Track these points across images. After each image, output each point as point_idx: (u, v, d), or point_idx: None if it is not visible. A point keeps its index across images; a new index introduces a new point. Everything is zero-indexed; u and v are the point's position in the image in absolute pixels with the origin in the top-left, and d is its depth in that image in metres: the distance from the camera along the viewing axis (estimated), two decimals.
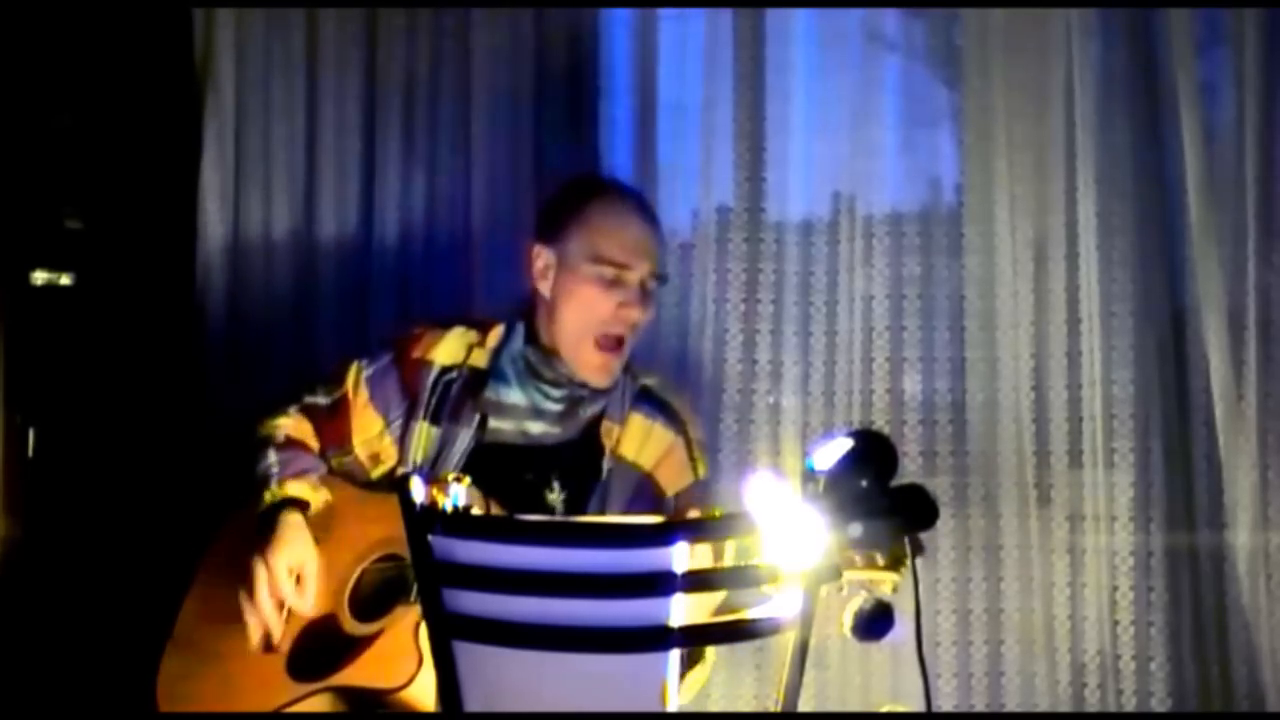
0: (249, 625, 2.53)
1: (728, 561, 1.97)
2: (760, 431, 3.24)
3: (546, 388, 2.70)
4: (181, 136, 3.43)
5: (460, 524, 1.94)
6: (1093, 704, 3.08)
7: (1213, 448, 3.04)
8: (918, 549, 1.99)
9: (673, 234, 3.32)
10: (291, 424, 2.73)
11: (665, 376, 2.86)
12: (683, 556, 1.83)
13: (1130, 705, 3.06)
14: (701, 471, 2.74)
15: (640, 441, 2.70)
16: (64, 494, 3.32)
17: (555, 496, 2.64)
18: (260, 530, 2.58)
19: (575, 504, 2.64)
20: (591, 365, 2.67)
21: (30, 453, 3.32)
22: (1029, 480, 3.14)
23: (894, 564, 1.98)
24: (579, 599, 1.83)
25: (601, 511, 2.64)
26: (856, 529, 1.88)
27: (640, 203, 2.78)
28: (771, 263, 3.27)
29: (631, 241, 2.67)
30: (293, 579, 2.53)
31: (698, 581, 1.86)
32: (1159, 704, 3.04)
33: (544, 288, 2.70)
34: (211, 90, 3.42)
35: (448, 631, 1.90)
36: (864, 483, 1.90)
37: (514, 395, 2.71)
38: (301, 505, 2.61)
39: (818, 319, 3.25)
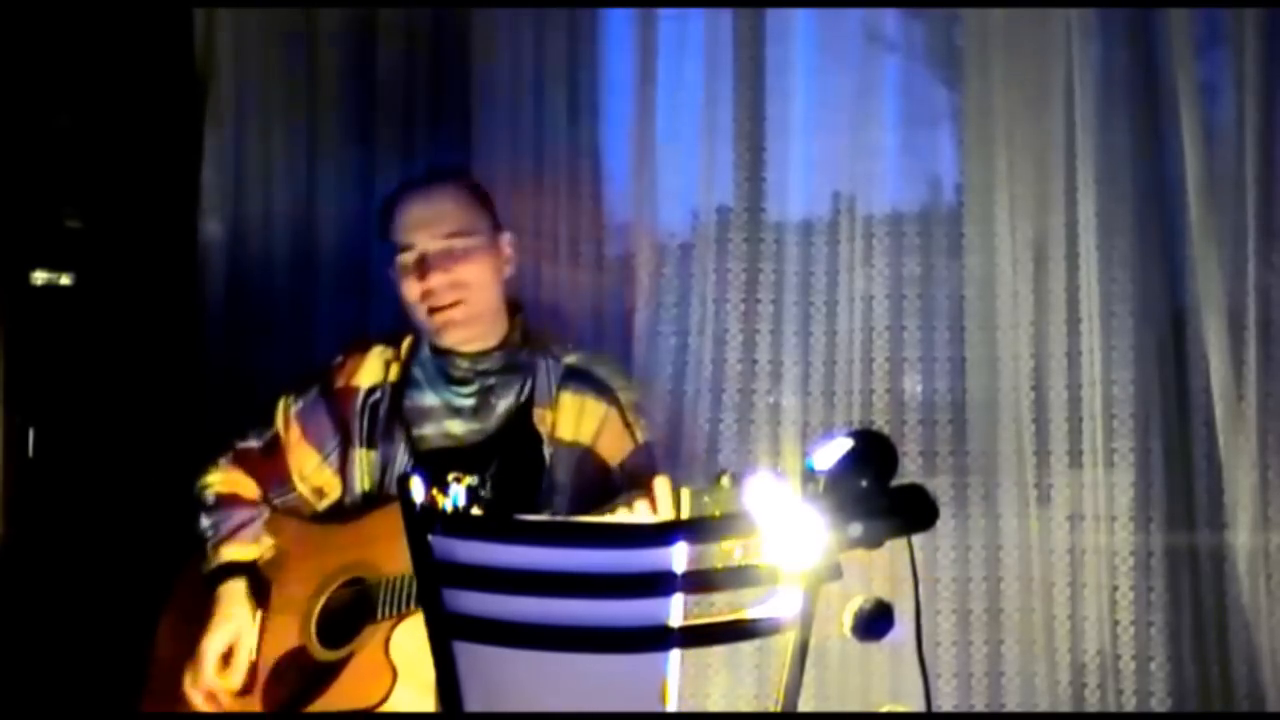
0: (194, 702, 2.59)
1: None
2: (760, 431, 3.24)
3: (456, 386, 2.74)
4: (181, 136, 3.42)
5: (460, 524, 1.94)
6: (1093, 704, 3.08)
7: (1213, 448, 3.04)
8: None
9: (672, 234, 3.33)
10: (219, 479, 2.76)
11: (590, 351, 2.87)
12: (683, 556, 1.83)
13: (1130, 705, 3.06)
14: (640, 436, 2.76)
15: (575, 419, 2.72)
16: (64, 494, 3.32)
17: (485, 493, 2.64)
18: (207, 594, 2.63)
19: (516, 497, 2.64)
20: (437, 329, 2.73)
21: (30, 453, 3.32)
22: (1029, 480, 3.14)
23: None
24: (579, 599, 1.83)
25: (550, 496, 2.65)
26: (856, 529, 1.87)
27: (430, 180, 2.85)
28: (771, 263, 3.27)
29: (412, 219, 2.74)
30: (221, 661, 2.59)
31: (698, 581, 1.86)
32: (1159, 704, 3.04)
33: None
34: (211, 90, 3.42)
35: (448, 631, 1.90)
36: (864, 483, 1.90)
37: (428, 398, 2.74)
38: (239, 569, 2.65)
39: (818, 319, 3.25)
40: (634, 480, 2.66)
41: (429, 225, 2.73)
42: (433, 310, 2.71)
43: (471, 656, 1.89)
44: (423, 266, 2.71)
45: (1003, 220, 3.17)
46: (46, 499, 3.31)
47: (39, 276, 3.43)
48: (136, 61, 3.43)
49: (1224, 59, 3.10)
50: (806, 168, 3.29)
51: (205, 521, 2.70)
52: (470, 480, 2.08)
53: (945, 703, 3.14)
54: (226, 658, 2.59)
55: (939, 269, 3.24)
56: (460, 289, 2.71)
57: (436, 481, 2.56)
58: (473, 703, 1.90)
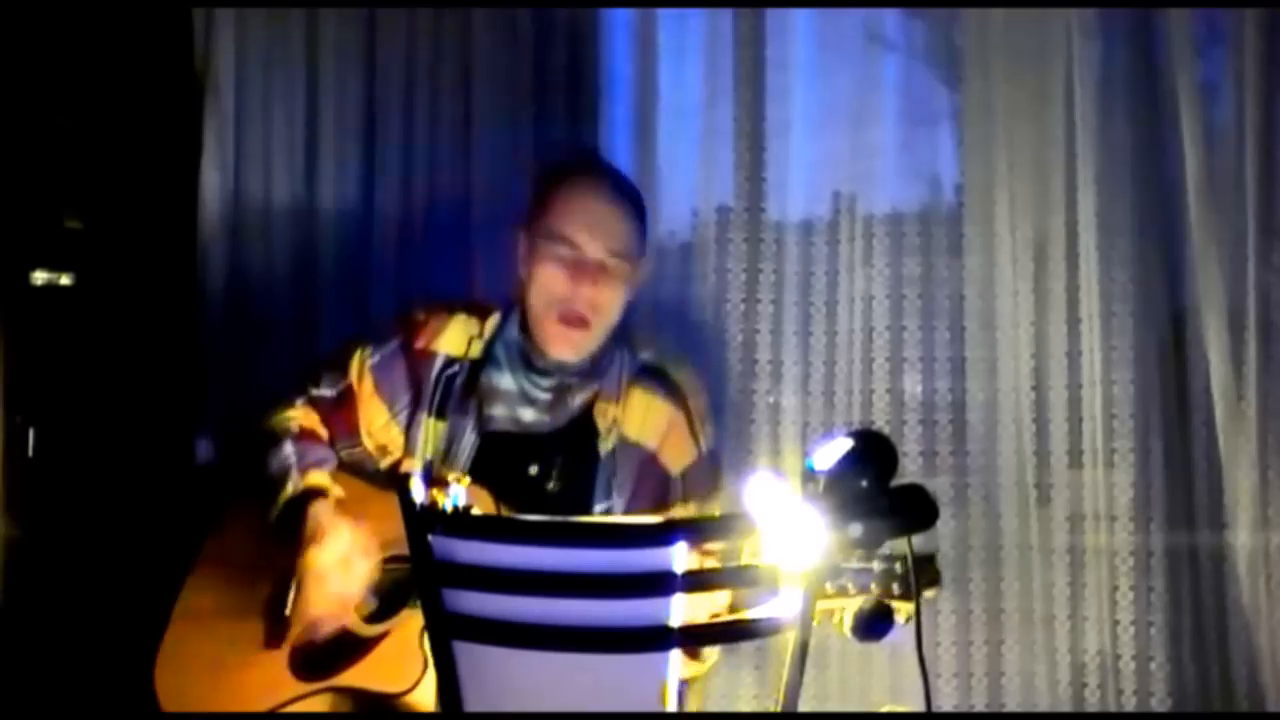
0: (310, 623, 2.51)
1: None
2: (760, 431, 3.25)
3: (536, 376, 2.69)
4: (181, 136, 3.42)
5: (460, 524, 1.93)
6: (1093, 704, 3.09)
7: (1213, 448, 3.05)
8: (933, 580, 1.99)
9: (672, 234, 3.33)
10: (302, 415, 2.71)
11: (667, 345, 2.82)
12: (683, 556, 1.83)
13: (1130, 705, 3.06)
14: (703, 445, 2.71)
15: (641, 417, 2.68)
16: (64, 494, 3.32)
17: (553, 485, 2.64)
18: (285, 524, 2.57)
19: (574, 491, 2.63)
20: (554, 338, 2.65)
21: (30, 453, 3.32)
22: (1029, 480, 3.14)
23: (906, 593, 1.99)
24: (579, 599, 1.83)
25: (609, 493, 2.64)
26: (856, 529, 1.87)
27: (613, 183, 2.72)
28: (771, 263, 3.28)
29: (588, 220, 2.63)
30: (343, 568, 2.49)
31: (698, 581, 1.86)
32: (1159, 704, 3.05)
33: (521, 271, 2.70)
34: (211, 90, 3.42)
35: (448, 631, 1.90)
36: (864, 483, 1.90)
37: (505, 380, 2.69)
38: (324, 494, 2.59)
39: (818, 319, 3.25)
40: (691, 490, 2.66)
41: (601, 235, 2.63)
42: (562, 318, 2.63)
43: (471, 656, 1.89)
44: (577, 271, 2.62)
45: (1003, 220, 3.17)
46: (46, 499, 3.31)
47: (39, 276, 3.42)
48: (136, 61, 3.43)
49: (1224, 59, 3.11)
50: (806, 167, 3.29)
51: (289, 448, 2.64)
52: (469, 480, 2.07)
53: (945, 703, 3.14)
54: (342, 568, 2.50)
55: (939, 269, 3.25)
56: (595, 310, 2.63)
57: (503, 468, 2.57)
58: (473, 703, 1.90)
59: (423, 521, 1.90)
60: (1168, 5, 3.07)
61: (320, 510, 2.56)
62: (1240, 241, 3.05)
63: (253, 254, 3.42)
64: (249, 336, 3.41)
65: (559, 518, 2.56)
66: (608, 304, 2.65)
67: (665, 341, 3.21)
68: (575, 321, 2.64)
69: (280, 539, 2.57)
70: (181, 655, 2.61)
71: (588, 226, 2.63)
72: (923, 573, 2.01)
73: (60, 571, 3.28)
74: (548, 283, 2.64)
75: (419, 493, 1.92)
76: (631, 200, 2.72)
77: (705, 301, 3.27)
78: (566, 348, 2.66)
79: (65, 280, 3.44)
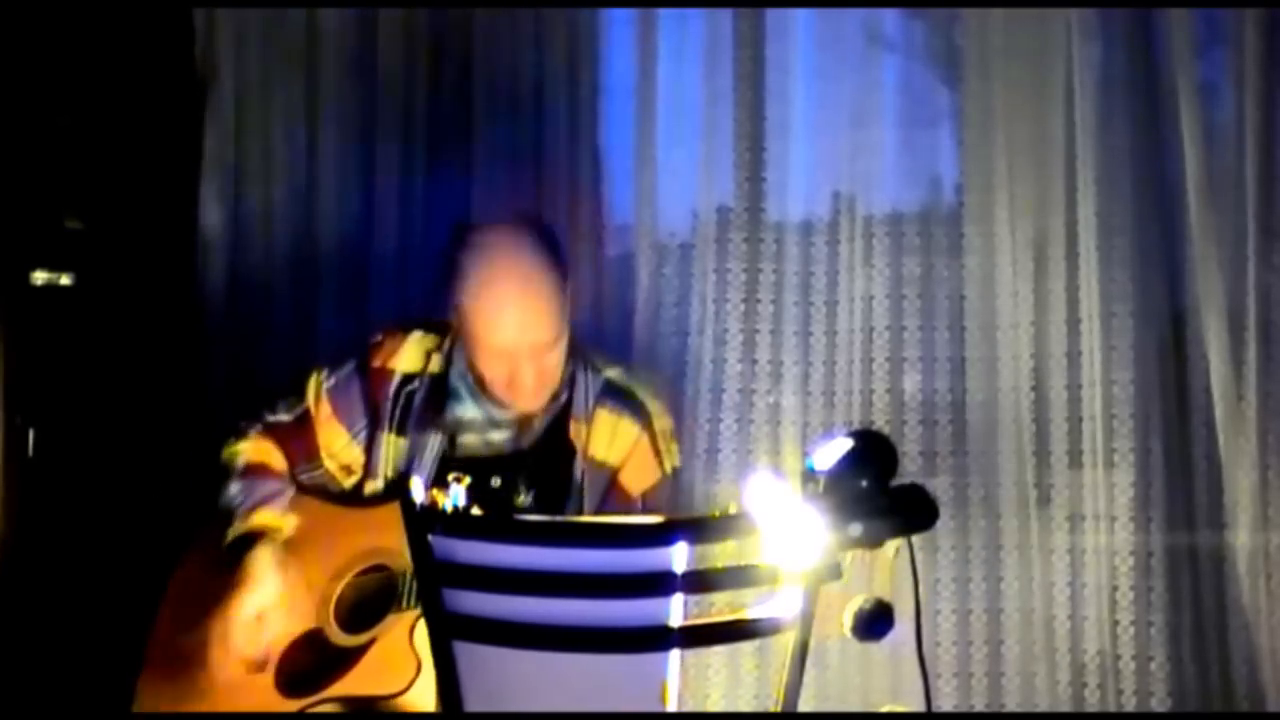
0: (213, 664, 2.54)
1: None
2: (760, 431, 3.25)
3: (498, 402, 2.66)
4: (181, 136, 3.43)
5: (460, 524, 1.94)
6: (1093, 704, 3.09)
7: (1213, 448, 3.05)
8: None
9: (673, 234, 3.33)
10: (250, 448, 2.70)
11: (628, 365, 2.79)
12: (682, 556, 1.84)
13: (1130, 705, 3.06)
14: (668, 465, 2.70)
15: (608, 438, 2.66)
16: (64, 494, 3.32)
17: (523, 499, 2.62)
18: (230, 564, 2.57)
19: (546, 506, 2.61)
20: (510, 400, 2.63)
21: (30, 453, 3.32)
22: (1029, 480, 3.14)
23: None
24: (579, 599, 1.83)
25: (578, 513, 2.62)
26: (856, 529, 1.88)
27: (521, 269, 2.56)
28: (771, 263, 3.28)
29: (504, 342, 2.55)
30: (255, 624, 2.52)
31: (698, 581, 1.86)
32: (1159, 704, 3.05)
33: (455, 325, 2.65)
34: (211, 90, 3.42)
35: (448, 631, 1.90)
36: (864, 483, 1.90)
37: (469, 410, 2.68)
38: (268, 537, 2.59)
39: (818, 319, 3.25)
40: (651, 511, 2.63)
41: (526, 334, 2.55)
42: (512, 389, 2.60)
43: (471, 656, 1.90)
44: (514, 367, 2.57)
45: (1003, 220, 3.17)
46: (46, 499, 3.31)
47: (39, 276, 3.42)
48: (136, 61, 3.43)
49: (1224, 59, 3.11)
50: (806, 168, 3.29)
51: (234, 488, 2.64)
52: (469, 480, 2.07)
53: (945, 703, 3.14)
54: (255, 623, 2.52)
55: (939, 269, 3.24)
56: (542, 378, 2.59)
57: (472, 485, 2.54)
58: (473, 703, 1.90)
59: (423, 521, 1.90)
60: (1168, 5, 3.07)
61: (256, 558, 2.55)
62: (1240, 241, 3.05)
63: (252, 254, 3.43)
64: (248, 337, 3.41)
65: (558, 518, 2.57)
66: (553, 366, 2.61)
67: (665, 341, 3.25)
68: (528, 392, 2.61)
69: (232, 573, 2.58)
70: (164, 688, 2.61)
71: (506, 349, 2.56)
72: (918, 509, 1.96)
73: (59, 572, 3.28)
74: (489, 364, 2.59)
75: (419, 493, 1.92)
76: (552, 269, 2.59)
77: (705, 301, 3.26)
78: (526, 404, 2.63)
79: (65, 280, 3.45)
